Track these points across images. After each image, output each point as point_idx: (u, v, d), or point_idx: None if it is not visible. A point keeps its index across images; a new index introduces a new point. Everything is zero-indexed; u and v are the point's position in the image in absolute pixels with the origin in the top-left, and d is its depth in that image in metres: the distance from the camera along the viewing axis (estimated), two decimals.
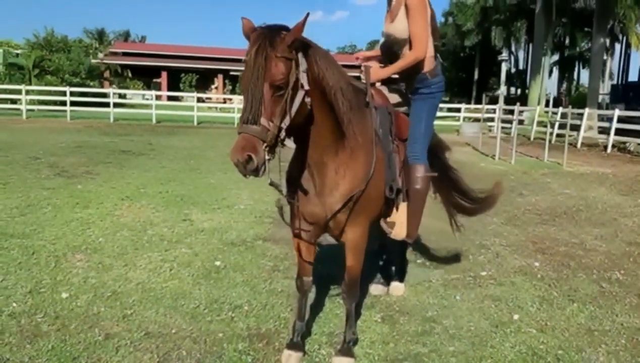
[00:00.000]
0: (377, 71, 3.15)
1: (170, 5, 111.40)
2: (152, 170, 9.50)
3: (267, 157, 2.19)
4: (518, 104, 17.99)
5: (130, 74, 41.30)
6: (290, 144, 2.32)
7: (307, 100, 2.33)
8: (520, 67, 51.34)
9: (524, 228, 6.31)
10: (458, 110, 28.02)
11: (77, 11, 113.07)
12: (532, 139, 19.63)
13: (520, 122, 22.97)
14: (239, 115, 22.14)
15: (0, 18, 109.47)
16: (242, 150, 2.13)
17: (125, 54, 44.04)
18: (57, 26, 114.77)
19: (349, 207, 2.68)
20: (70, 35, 37.22)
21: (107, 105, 22.99)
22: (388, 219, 3.23)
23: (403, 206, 3.16)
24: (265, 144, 2.17)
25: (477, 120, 23.12)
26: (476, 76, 47.40)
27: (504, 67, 24.82)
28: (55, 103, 23.79)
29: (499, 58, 25.51)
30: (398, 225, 3.22)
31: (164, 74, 42.14)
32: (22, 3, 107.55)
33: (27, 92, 22.64)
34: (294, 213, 2.84)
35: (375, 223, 3.11)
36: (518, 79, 51.33)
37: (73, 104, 22.62)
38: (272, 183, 2.41)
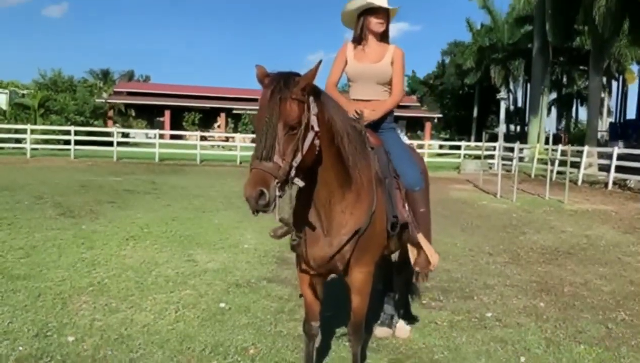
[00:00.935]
0: (370, 115, 3.28)
1: (174, 47, 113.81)
2: (156, 209, 9.55)
3: (277, 193, 2.27)
4: (518, 142, 18.16)
5: (134, 113, 41.81)
6: (299, 182, 2.39)
7: (317, 142, 2.44)
8: (519, 104, 51.95)
9: (528, 268, 6.31)
10: (458, 147, 28.24)
11: (83, 52, 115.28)
12: (532, 176, 19.73)
13: (521, 159, 23.17)
14: (241, 153, 22.43)
15: (8, 59, 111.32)
16: (255, 185, 2.22)
17: (129, 93, 44.66)
18: (64, 66, 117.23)
19: (353, 246, 2.73)
20: (76, 75, 37.95)
21: (110, 143, 23.21)
22: (410, 256, 3.28)
23: (420, 237, 3.20)
24: (277, 180, 2.25)
25: (477, 157, 23.27)
26: (476, 114, 47.93)
27: (502, 106, 25.08)
28: (59, 142, 24.04)
29: (498, 97, 25.81)
30: (424, 256, 3.24)
31: (167, 113, 42.59)
32: (30, 45, 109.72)
33: (32, 131, 22.91)
34: (300, 253, 2.88)
35: (379, 264, 3.15)
36: (517, 116, 51.87)
37: (77, 143, 22.84)
38: (281, 220, 2.47)
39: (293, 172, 2.33)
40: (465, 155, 26.39)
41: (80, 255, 5.99)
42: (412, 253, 3.21)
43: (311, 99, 2.43)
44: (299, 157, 2.33)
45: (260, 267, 5.83)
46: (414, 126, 49.43)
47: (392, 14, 3.42)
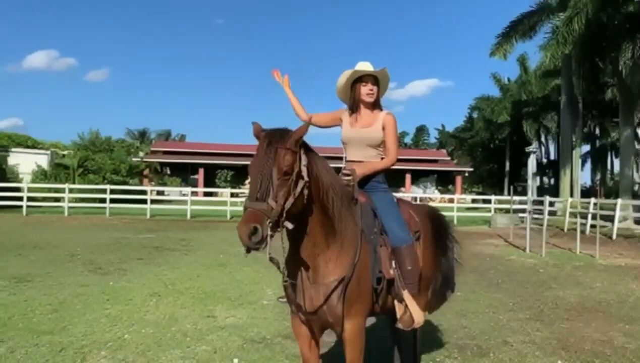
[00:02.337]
0: (360, 170, 3.44)
1: (209, 108, 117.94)
2: (182, 266, 9.77)
3: (269, 233, 2.44)
4: (546, 196, 17.94)
5: (169, 171, 43.08)
6: (289, 225, 2.58)
7: (306, 191, 2.66)
8: (552, 157, 51.41)
9: (550, 325, 6.19)
10: (489, 201, 27.98)
11: (123, 113, 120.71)
12: (565, 230, 19.34)
13: (553, 213, 22.77)
14: None
15: (52, 122, 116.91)
16: (248, 222, 2.42)
17: (165, 153, 46.18)
18: (105, 127, 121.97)
19: (340, 296, 2.83)
20: (114, 135, 39.55)
21: (144, 201, 23.89)
22: (397, 312, 3.32)
23: (406, 294, 3.25)
24: (269, 220, 2.44)
25: (508, 211, 22.97)
26: (507, 167, 47.58)
27: (531, 159, 24.92)
28: (95, 200, 24.93)
29: (527, 150, 25.69)
30: (409, 314, 3.29)
31: (201, 171, 43.73)
32: (73, 107, 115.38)
33: (70, 191, 23.81)
34: (290, 299, 3.00)
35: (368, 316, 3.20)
36: (551, 169, 51.24)
37: (112, 201, 23.63)
38: (271, 259, 2.62)
39: (284, 215, 2.53)
40: (495, 209, 26.11)
41: (105, 310, 6.18)
42: (398, 309, 3.27)
43: (302, 151, 2.70)
44: (290, 201, 2.54)
45: (277, 323, 5.89)
46: (445, 180, 49.29)
47: (383, 79, 3.60)
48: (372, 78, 3.53)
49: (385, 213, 3.33)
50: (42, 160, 31.67)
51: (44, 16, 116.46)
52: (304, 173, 2.65)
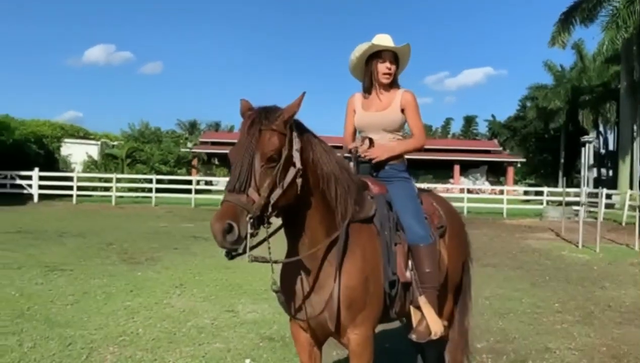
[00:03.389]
0: (384, 148, 3.01)
1: (259, 99, 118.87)
2: (215, 256, 9.56)
3: (249, 230, 2.05)
4: (601, 188, 16.88)
5: (217, 161, 43.51)
6: (275, 220, 2.21)
7: (299, 181, 2.25)
8: (611, 148, 48.90)
9: (600, 329, 5.61)
10: (541, 193, 26.77)
11: (176, 105, 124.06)
12: (623, 224, 18.17)
13: (611, 206, 21.51)
14: None
15: (105, 113, 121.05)
16: (223, 218, 2.02)
17: (213, 143, 46.66)
18: (157, 119, 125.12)
19: (344, 303, 2.44)
20: (165, 127, 40.05)
21: (190, 191, 24.10)
22: (412, 320, 2.90)
23: (422, 300, 2.83)
24: (249, 216, 2.06)
25: (560, 203, 21.89)
26: (563, 158, 45.61)
27: (587, 149, 23.54)
28: (142, 190, 25.38)
29: (583, 139, 24.26)
30: (425, 323, 2.86)
31: None
32: (127, 100, 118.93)
33: (118, 180, 24.29)
34: (282, 304, 2.62)
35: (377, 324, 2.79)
36: (610, 160, 48.74)
37: (158, 190, 23.96)
38: (255, 260, 2.21)
39: (270, 209, 2.14)
40: (548, 201, 24.93)
41: (125, 303, 6.03)
42: (414, 317, 2.83)
43: (295, 134, 2.28)
44: (277, 193, 2.15)
45: None
46: (496, 171, 47.80)
47: (403, 56, 3.15)
48: (390, 54, 3.07)
49: (402, 206, 2.86)
50: (92, 150, 32.51)
51: (103, 11, 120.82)
52: (296, 159, 2.23)
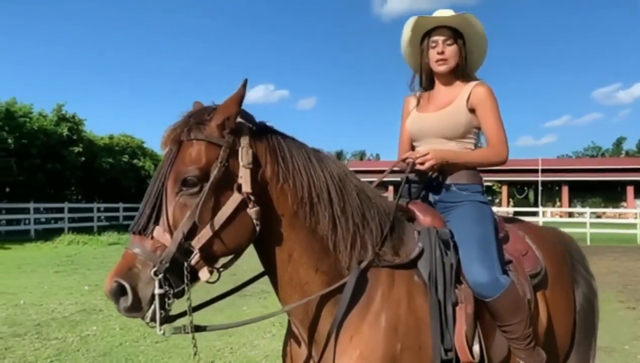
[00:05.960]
0: (444, 151, 2.12)
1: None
2: None
3: (158, 291, 1.41)
4: None
5: None
6: (205, 276, 1.51)
7: (252, 212, 1.52)
8: None
9: None
10: None
11: (328, 136, 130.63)
12: None
13: None
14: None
15: None
16: (112, 275, 1.42)
17: (358, 172, 46.75)
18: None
19: None
20: None
21: None
22: None
23: None
24: (154, 269, 1.40)
25: None
26: None
27: None
28: None
29: None
30: None
31: (390, 188, 43.39)
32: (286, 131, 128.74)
33: None
34: None
35: None
36: None
37: None
38: (165, 334, 1.51)
39: (195, 257, 1.46)
40: None
41: (212, 342, 5.59)
42: None
43: (245, 142, 1.55)
44: (205, 234, 1.46)
45: None
46: None
47: (469, 31, 2.20)
48: (446, 32, 2.17)
49: (466, 241, 1.93)
50: None
51: (264, 53, 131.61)
52: (244, 180, 1.51)
